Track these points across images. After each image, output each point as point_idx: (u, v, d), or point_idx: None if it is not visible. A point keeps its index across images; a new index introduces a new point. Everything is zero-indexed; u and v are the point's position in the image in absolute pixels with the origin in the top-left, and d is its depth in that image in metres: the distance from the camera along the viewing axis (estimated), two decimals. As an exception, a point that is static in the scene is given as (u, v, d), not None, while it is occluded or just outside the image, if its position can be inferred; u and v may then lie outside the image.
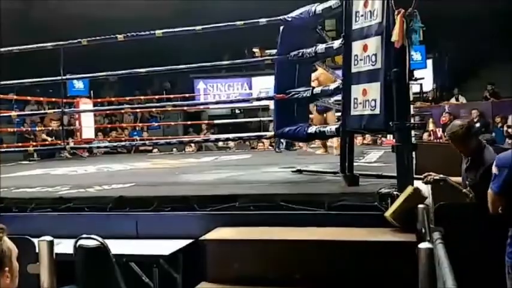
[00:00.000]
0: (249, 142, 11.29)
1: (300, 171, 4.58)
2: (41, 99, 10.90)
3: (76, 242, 2.86)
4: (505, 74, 11.15)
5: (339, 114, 4.49)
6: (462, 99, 13.47)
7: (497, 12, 11.94)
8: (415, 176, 3.43)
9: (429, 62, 14.03)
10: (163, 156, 8.82)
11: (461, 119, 4.17)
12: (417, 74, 10.76)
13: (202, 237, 3.00)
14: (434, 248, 2.05)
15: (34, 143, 9.28)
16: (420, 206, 2.72)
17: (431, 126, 11.18)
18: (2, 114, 8.08)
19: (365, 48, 3.32)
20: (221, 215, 3.25)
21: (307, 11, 4.04)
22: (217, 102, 6.42)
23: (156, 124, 13.20)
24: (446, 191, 3.83)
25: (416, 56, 12.80)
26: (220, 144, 11.61)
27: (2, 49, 5.02)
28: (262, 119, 11.63)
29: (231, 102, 13.48)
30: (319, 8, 3.95)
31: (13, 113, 7.42)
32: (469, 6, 12.37)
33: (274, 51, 4.63)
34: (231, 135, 8.17)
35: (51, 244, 2.38)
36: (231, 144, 11.42)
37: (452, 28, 12.97)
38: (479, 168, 3.41)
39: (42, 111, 10.14)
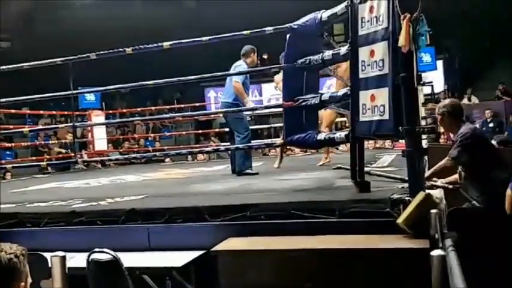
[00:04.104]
0: (261, 149, 11.26)
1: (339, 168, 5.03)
2: (54, 112, 11.06)
3: (89, 256, 2.88)
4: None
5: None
6: (474, 100, 13.32)
7: (510, 10, 11.83)
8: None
9: (439, 63, 13.90)
10: (176, 166, 8.84)
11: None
12: (427, 75, 10.69)
13: (214, 248, 3.00)
14: (447, 255, 2.01)
15: (48, 157, 9.38)
16: (433, 211, 2.69)
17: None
18: (14, 130, 8.20)
19: (372, 53, 3.31)
20: (232, 225, 3.24)
21: (313, 18, 4.01)
22: (225, 111, 6.35)
23: (168, 134, 13.26)
24: (460, 195, 3.79)
25: (426, 57, 12.68)
26: (232, 151, 11.61)
27: (10, 66, 5.07)
28: (273, 125, 11.61)
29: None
30: (325, 15, 3.93)
31: (26, 129, 7.49)
32: (478, 4, 12.27)
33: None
34: (241, 145, 8.10)
35: (63, 259, 2.40)
36: (243, 151, 11.42)
37: (462, 28, 12.85)
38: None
39: (54, 126, 10.24)
